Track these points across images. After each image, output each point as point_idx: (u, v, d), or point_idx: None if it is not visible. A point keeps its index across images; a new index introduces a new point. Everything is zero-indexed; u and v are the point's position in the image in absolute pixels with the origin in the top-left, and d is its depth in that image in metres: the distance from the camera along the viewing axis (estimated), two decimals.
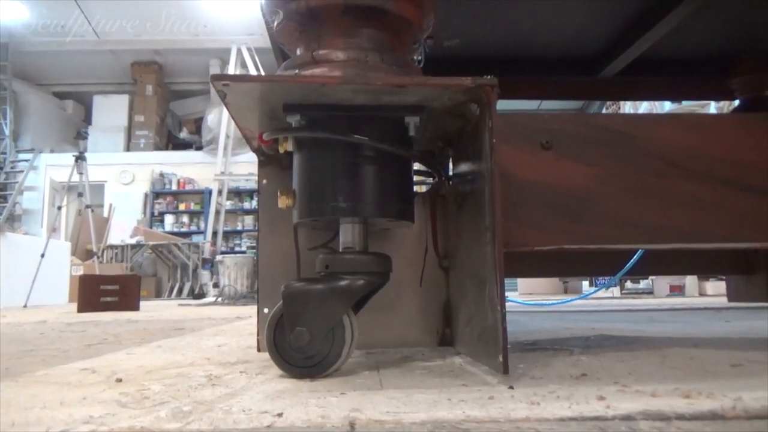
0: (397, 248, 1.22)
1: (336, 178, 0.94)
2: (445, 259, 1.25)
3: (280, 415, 0.64)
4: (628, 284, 6.42)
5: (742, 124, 1.21)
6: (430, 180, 1.27)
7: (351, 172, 0.93)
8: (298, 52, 1.00)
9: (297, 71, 0.94)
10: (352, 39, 0.95)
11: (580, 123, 1.18)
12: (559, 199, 1.12)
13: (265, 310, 1.17)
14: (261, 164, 1.21)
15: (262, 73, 9.11)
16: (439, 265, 1.26)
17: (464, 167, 1.07)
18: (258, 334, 1.19)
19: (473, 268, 1.00)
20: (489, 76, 0.87)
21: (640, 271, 2.48)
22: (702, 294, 5.51)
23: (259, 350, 1.18)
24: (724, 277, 3.28)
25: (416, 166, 1.13)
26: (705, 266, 2.74)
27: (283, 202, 0.98)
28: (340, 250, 0.99)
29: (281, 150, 0.98)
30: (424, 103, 0.94)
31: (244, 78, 0.86)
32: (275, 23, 1.00)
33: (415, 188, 1.14)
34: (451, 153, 1.19)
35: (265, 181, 1.22)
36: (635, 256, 2.41)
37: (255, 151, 1.17)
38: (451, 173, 1.21)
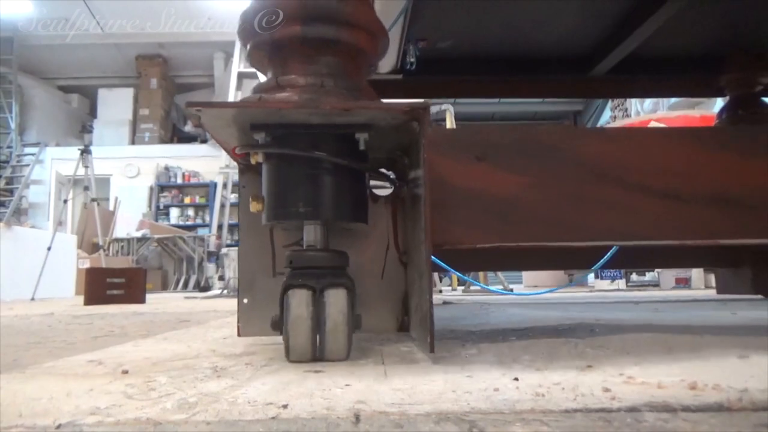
0: (365, 246, 1.37)
1: (298, 186, 1.05)
2: (404, 255, 1.38)
3: (285, 406, 0.64)
4: (634, 277, 6.42)
5: (654, 136, 1.33)
6: (392, 184, 1.39)
7: (311, 182, 1.05)
8: (269, 74, 1.12)
9: (261, 96, 1.06)
10: (311, 65, 1.07)
11: (509, 137, 1.30)
12: (493, 204, 1.25)
13: (245, 300, 1.30)
14: (241, 171, 1.34)
15: None
16: (400, 260, 1.38)
17: (413, 174, 1.19)
18: (238, 322, 1.30)
19: (417, 263, 1.11)
20: (423, 100, 1.01)
21: (623, 264, 2.59)
22: (708, 286, 5.49)
23: (239, 335, 1.29)
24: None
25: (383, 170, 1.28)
26: (692, 260, 2.83)
27: (254, 207, 1.09)
28: (304, 248, 1.10)
29: (253, 161, 1.08)
30: (371, 122, 1.05)
31: (213, 104, 0.99)
32: (247, 49, 1.12)
33: (381, 191, 1.33)
34: (407, 161, 1.30)
35: (244, 187, 1.34)
36: (609, 253, 2.51)
37: (235, 159, 1.29)
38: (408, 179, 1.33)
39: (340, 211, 1.07)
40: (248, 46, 1.11)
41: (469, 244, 1.25)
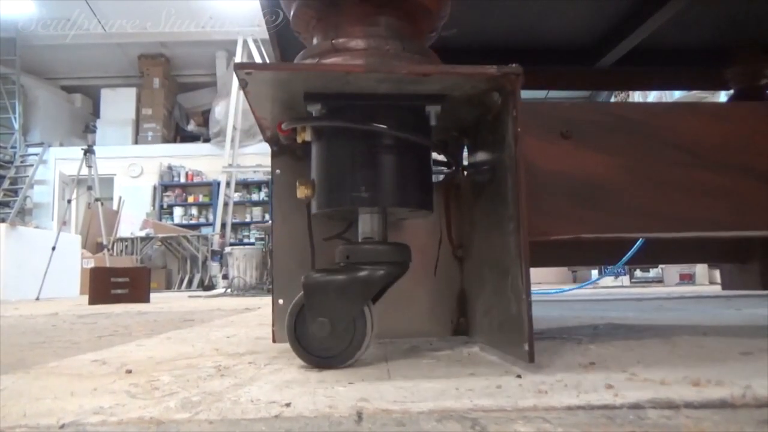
0: (411, 238, 1.21)
1: (356, 168, 0.92)
2: (460, 249, 1.24)
3: (288, 405, 0.64)
4: (638, 273, 6.40)
5: (758, 113, 1.19)
6: (445, 169, 1.26)
7: (371, 162, 0.92)
8: (315, 41, 0.99)
9: (317, 60, 0.93)
10: (371, 27, 0.94)
11: (599, 112, 1.16)
12: (578, 188, 1.11)
13: (280, 301, 1.17)
14: (274, 154, 1.20)
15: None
16: (453, 254, 1.25)
17: (482, 156, 1.06)
18: (273, 325, 1.17)
19: (493, 258, 0.99)
20: (514, 65, 0.86)
21: (635, 260, 2.50)
22: (712, 282, 5.48)
23: (274, 341, 1.17)
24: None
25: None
26: (699, 255, 2.74)
27: (302, 192, 0.96)
28: (360, 240, 0.98)
29: (299, 140, 0.96)
30: (445, 92, 0.93)
31: (267, 66, 0.86)
32: (291, 11, 0.99)
33: None
34: (467, 142, 1.17)
35: (278, 171, 1.21)
36: (635, 246, 2.41)
37: (268, 140, 1.16)
38: (466, 163, 1.20)
39: (405, 197, 0.93)
40: (293, 8, 0.98)
41: (553, 235, 1.10)
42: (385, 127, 0.92)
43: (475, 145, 1.13)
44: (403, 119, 0.94)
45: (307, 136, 0.96)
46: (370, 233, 0.97)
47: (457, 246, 1.25)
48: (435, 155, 1.17)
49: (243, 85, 0.87)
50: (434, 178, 1.26)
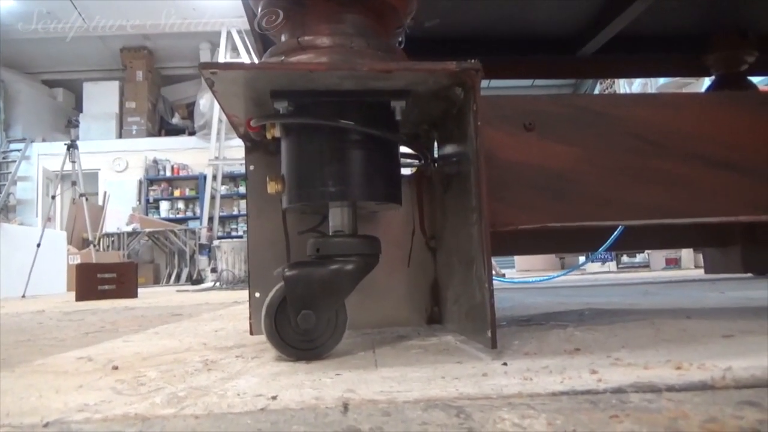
0: (384, 230, 1.24)
1: (324, 163, 0.94)
2: (432, 240, 1.27)
3: (274, 398, 0.64)
4: (624, 258, 6.47)
5: (717, 103, 1.23)
6: (417, 162, 1.27)
7: (339, 157, 0.94)
8: (283, 38, 1.00)
9: (283, 58, 0.95)
10: (336, 24, 0.96)
11: (561, 104, 1.19)
12: (542, 178, 1.14)
13: (257, 295, 1.19)
14: (248, 150, 1.22)
15: (254, 55, 9.03)
16: (426, 245, 1.28)
17: (449, 149, 1.09)
18: (250, 318, 1.19)
19: (460, 248, 1.02)
20: (473, 60, 0.88)
21: (616, 246, 2.55)
22: (698, 266, 5.55)
23: (252, 333, 1.19)
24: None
25: (403, 149, 1.13)
26: (681, 240, 2.80)
27: (272, 187, 0.98)
28: (330, 233, 1.00)
29: (269, 136, 0.98)
30: (410, 87, 0.95)
31: (231, 66, 0.86)
32: (259, 10, 0.99)
33: (402, 171, 1.15)
34: (436, 136, 1.19)
35: (252, 167, 1.22)
36: (615, 233, 2.47)
37: (241, 137, 1.17)
38: (436, 155, 1.22)
39: (373, 190, 0.95)
40: (260, 6, 1.00)
41: (519, 225, 1.12)
42: (350, 123, 0.94)
43: (443, 138, 1.14)
44: (369, 114, 0.95)
45: (276, 132, 0.97)
46: (340, 226, 0.99)
47: (430, 237, 1.28)
48: (407, 148, 1.18)
49: (210, 84, 0.89)
50: (407, 171, 1.27)
